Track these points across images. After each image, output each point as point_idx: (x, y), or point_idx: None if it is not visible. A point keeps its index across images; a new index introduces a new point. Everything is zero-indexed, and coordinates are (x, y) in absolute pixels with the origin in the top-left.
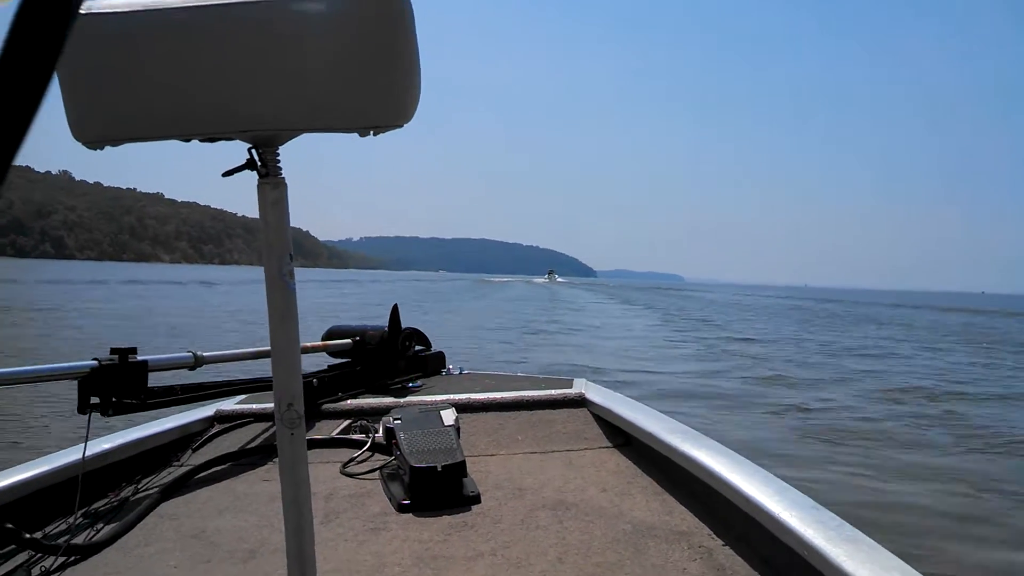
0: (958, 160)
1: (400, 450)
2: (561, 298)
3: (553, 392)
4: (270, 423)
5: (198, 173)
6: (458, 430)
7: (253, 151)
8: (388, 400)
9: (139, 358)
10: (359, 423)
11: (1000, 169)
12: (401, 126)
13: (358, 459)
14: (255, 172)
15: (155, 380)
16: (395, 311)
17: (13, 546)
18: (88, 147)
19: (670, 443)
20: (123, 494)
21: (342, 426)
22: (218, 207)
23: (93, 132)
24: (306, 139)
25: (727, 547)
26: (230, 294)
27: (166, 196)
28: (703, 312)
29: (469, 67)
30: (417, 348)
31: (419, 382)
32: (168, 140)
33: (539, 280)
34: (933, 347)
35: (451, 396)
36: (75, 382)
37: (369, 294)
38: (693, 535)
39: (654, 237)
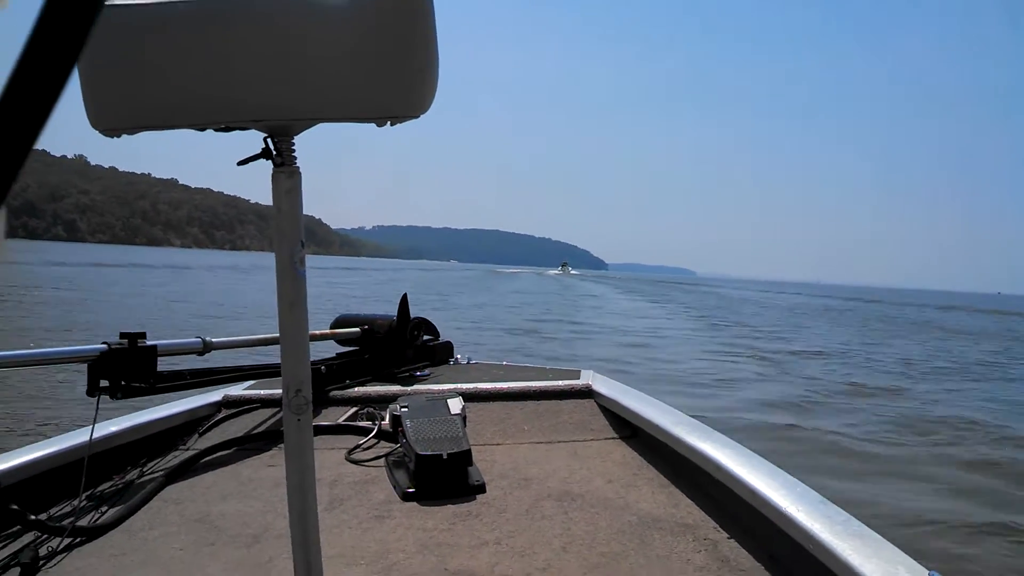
0: (968, 158)
1: (406, 438)
2: (577, 292)
3: (560, 383)
4: (277, 409)
5: (213, 160)
6: (464, 419)
7: (268, 140)
8: (395, 388)
9: (148, 343)
10: (366, 410)
11: (1009, 167)
12: (418, 117)
13: (364, 446)
14: (270, 161)
15: (164, 365)
16: (404, 300)
17: (19, 527)
18: (105, 135)
19: (677, 435)
20: (129, 477)
21: (349, 413)
22: (232, 193)
23: (110, 121)
24: (321, 128)
25: (732, 540)
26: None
27: (180, 182)
28: (735, 313)
29: (484, 58)
30: (425, 337)
31: (427, 371)
32: (183, 129)
33: (552, 272)
34: None
35: (458, 385)
36: (85, 365)
37: (360, 285)
38: (698, 527)
39: (664, 231)
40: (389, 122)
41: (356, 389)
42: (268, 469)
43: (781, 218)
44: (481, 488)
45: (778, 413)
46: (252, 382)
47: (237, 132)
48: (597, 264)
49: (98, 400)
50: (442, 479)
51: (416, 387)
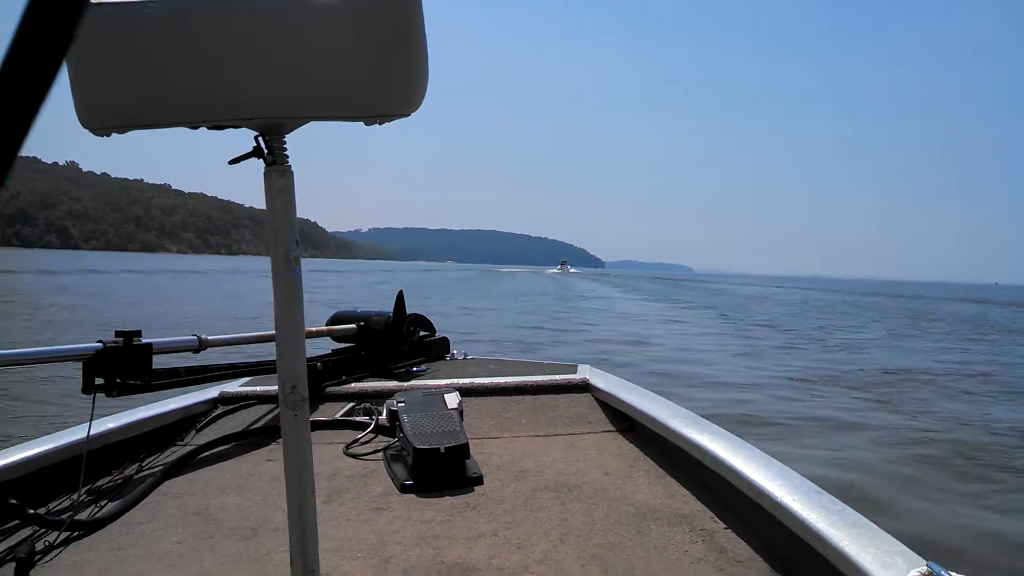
0: (964, 152)
1: (403, 432)
2: (578, 292)
3: (557, 377)
4: (274, 405)
5: (207, 164)
6: (461, 413)
7: (260, 139)
8: (392, 384)
9: (143, 341)
10: (363, 405)
11: (1004, 159)
12: (408, 115)
13: (361, 440)
14: (262, 160)
15: (160, 363)
16: (400, 297)
17: (17, 521)
18: (95, 134)
19: (673, 428)
20: (127, 472)
21: (346, 408)
22: (226, 198)
23: (100, 119)
24: (316, 130)
25: (729, 530)
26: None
27: (173, 187)
28: (757, 312)
29: (478, 58)
30: (421, 333)
31: (423, 367)
32: (175, 127)
33: (551, 271)
34: None
35: (455, 380)
36: (80, 364)
37: (346, 288)
38: (695, 518)
39: (660, 228)
40: (379, 121)
41: (353, 385)
42: (266, 464)
43: (776, 213)
44: (478, 480)
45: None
46: (248, 379)
47: (231, 134)
48: (594, 262)
49: (94, 397)
50: (440, 472)
51: (413, 383)
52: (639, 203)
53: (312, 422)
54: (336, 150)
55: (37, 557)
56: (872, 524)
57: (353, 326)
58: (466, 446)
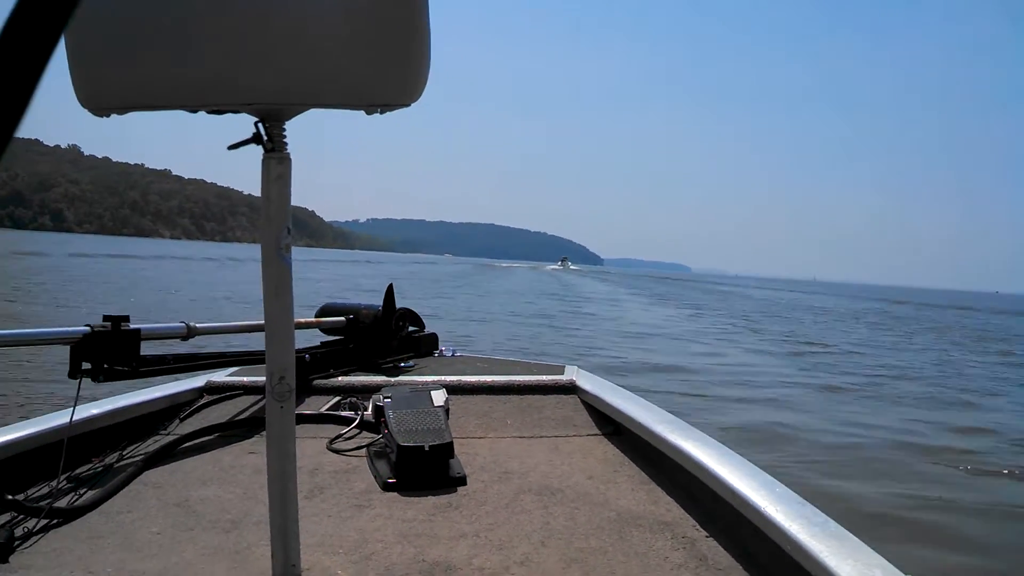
0: (964, 157)
1: (388, 428)
2: (581, 293)
3: (544, 378)
4: (260, 396)
5: (209, 151)
6: (447, 411)
7: (259, 125)
8: (379, 379)
9: (132, 326)
10: (348, 400)
11: (1006, 165)
12: (408, 105)
13: (346, 435)
14: (261, 146)
15: (147, 349)
16: (390, 290)
17: None
18: (94, 114)
19: (659, 433)
20: (108, 460)
21: (331, 402)
22: (225, 185)
23: (100, 100)
24: (316, 118)
25: (710, 539)
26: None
27: (173, 172)
28: (784, 320)
29: (480, 53)
30: (411, 328)
31: (411, 362)
32: (174, 110)
33: (552, 267)
34: None
35: (442, 377)
36: (68, 347)
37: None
38: (677, 525)
39: (658, 226)
40: (379, 110)
41: (340, 378)
42: (249, 456)
43: (773, 215)
44: (462, 480)
45: None
46: (236, 368)
47: (235, 121)
48: (593, 259)
49: (79, 382)
50: (423, 470)
51: (400, 378)
52: (638, 201)
53: (297, 415)
54: (337, 139)
55: (16, 544)
56: (854, 537)
57: (342, 318)
58: (451, 445)
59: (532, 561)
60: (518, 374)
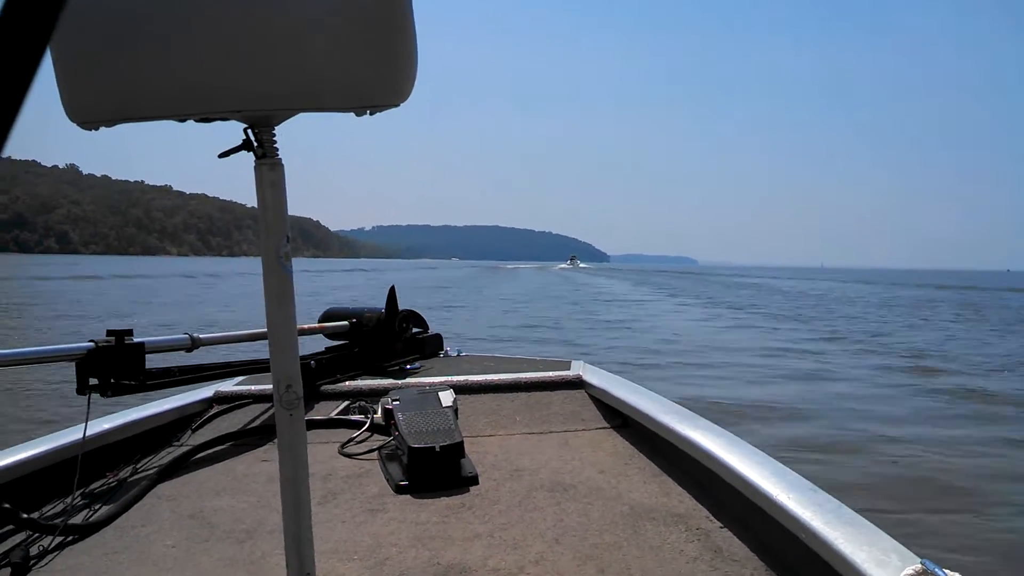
0: (969, 138)
1: (398, 431)
2: (594, 293)
3: (551, 374)
4: (269, 404)
5: (208, 164)
6: (456, 411)
7: (249, 131)
8: (387, 382)
9: (135, 340)
10: (357, 404)
11: (1007, 147)
12: (397, 105)
13: (356, 439)
14: (252, 153)
15: (153, 363)
16: (392, 293)
17: (11, 526)
18: (82, 128)
19: (668, 424)
20: (121, 475)
21: (340, 407)
22: (227, 199)
23: (87, 112)
24: (318, 128)
25: (724, 529)
26: None
27: (175, 188)
28: (848, 319)
29: (480, 53)
30: (415, 330)
31: (417, 364)
32: (163, 120)
33: (561, 266)
34: None
35: (449, 378)
36: (73, 364)
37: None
38: (691, 517)
39: (664, 220)
40: (368, 111)
41: (347, 383)
42: (261, 464)
43: (778, 204)
44: (474, 480)
45: None
46: (243, 377)
47: (230, 131)
48: (600, 256)
49: (89, 398)
50: (435, 471)
51: (407, 380)
52: (641, 196)
53: (307, 421)
54: (339, 148)
55: (32, 562)
56: (867, 522)
57: (345, 323)
58: (461, 444)
59: (547, 559)
60: (524, 371)
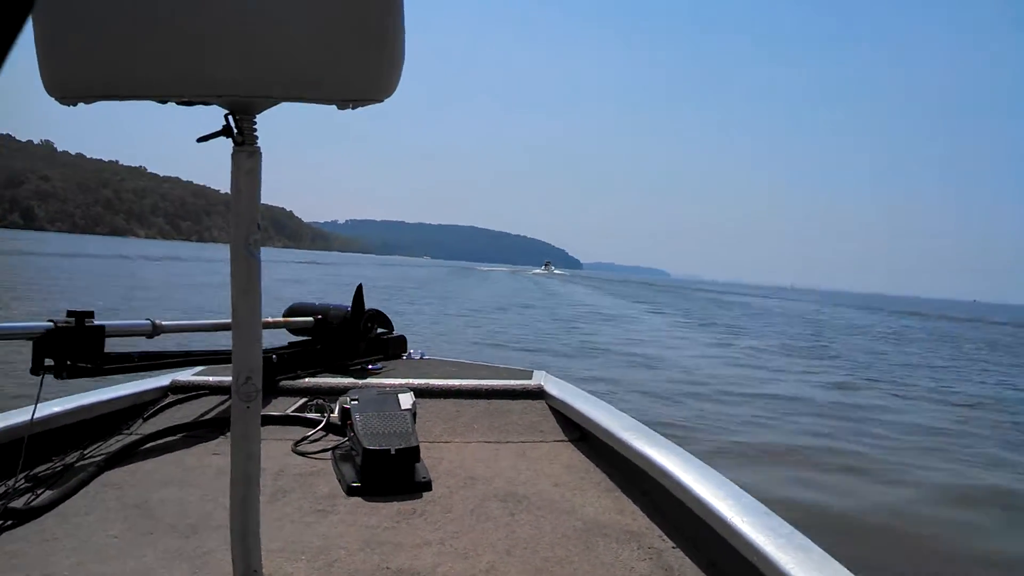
0: (946, 165)
1: (354, 431)
2: (573, 303)
3: (512, 383)
4: (226, 396)
5: (184, 147)
6: (414, 415)
7: (229, 117)
8: (346, 381)
9: (96, 323)
10: (315, 402)
11: (993, 177)
12: (381, 100)
13: (311, 438)
14: (231, 140)
15: (112, 347)
16: (359, 292)
17: None
18: (60, 102)
19: (625, 440)
20: (68, 460)
21: (298, 404)
22: (202, 183)
23: (66, 87)
24: (296, 116)
25: (677, 549)
26: None
27: (149, 170)
28: (872, 355)
29: (464, 54)
30: (379, 330)
31: (379, 364)
32: (143, 100)
33: (536, 271)
34: None
35: (410, 380)
36: (30, 343)
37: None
38: (644, 535)
39: (636, 231)
40: (351, 105)
41: (306, 380)
42: (212, 457)
43: (753, 221)
44: (427, 486)
45: None
46: (202, 368)
47: (210, 116)
48: (573, 263)
49: (42, 379)
50: (389, 474)
51: (368, 380)
52: (616, 206)
53: (262, 416)
54: (317, 138)
55: None
56: (820, 549)
57: (311, 319)
58: (417, 449)
59: (497, 570)
60: (486, 378)
